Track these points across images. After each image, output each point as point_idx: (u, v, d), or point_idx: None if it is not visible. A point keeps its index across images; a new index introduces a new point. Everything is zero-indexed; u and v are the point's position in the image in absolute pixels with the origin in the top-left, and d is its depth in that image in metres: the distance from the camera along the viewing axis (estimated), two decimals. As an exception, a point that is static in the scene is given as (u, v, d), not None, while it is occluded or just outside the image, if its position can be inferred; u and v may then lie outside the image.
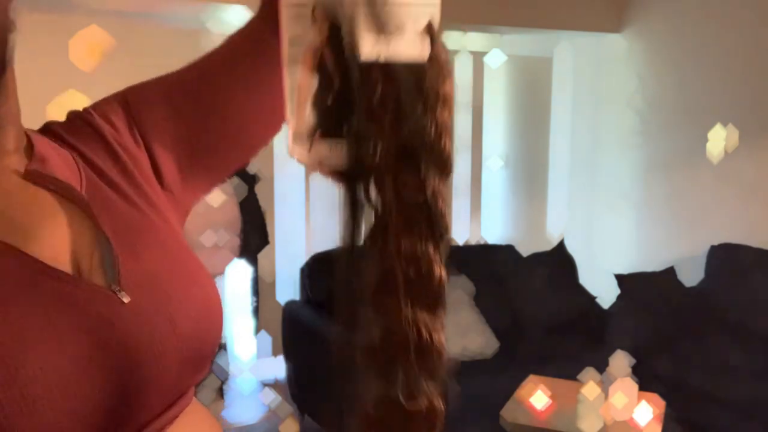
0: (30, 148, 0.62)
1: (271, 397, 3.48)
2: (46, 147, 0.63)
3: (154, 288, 0.59)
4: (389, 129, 0.46)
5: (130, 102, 0.70)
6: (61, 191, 0.60)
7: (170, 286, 0.60)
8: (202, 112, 0.71)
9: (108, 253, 0.58)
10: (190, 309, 0.61)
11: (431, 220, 0.47)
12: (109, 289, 0.56)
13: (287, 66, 0.49)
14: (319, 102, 0.49)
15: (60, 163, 0.63)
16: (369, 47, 0.45)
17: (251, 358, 3.80)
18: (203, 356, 0.63)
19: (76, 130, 0.68)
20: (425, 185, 0.47)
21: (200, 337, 0.61)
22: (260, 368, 3.78)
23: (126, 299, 0.56)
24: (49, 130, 0.67)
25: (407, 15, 0.45)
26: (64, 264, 0.56)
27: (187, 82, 0.72)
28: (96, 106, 0.70)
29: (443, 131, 0.47)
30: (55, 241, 0.57)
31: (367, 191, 0.47)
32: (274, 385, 3.64)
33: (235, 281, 3.59)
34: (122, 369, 0.53)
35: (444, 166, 0.48)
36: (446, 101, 0.48)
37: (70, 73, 2.76)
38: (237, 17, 3.40)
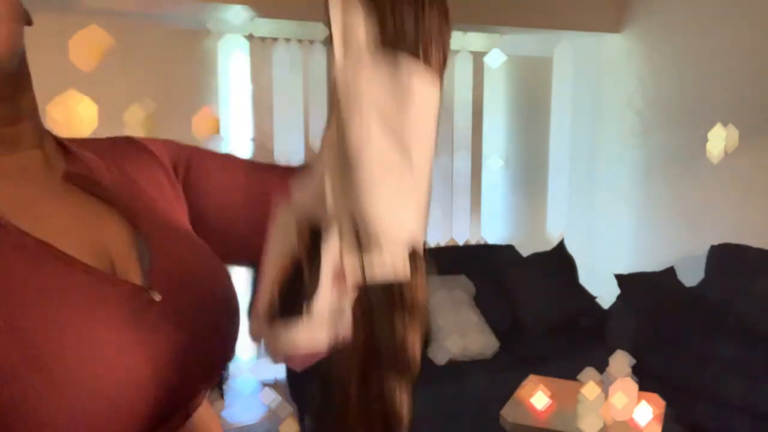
0: (62, 150, 0.63)
1: (271, 397, 3.48)
2: (81, 151, 0.65)
3: (187, 289, 0.60)
4: (358, 334, 0.49)
5: (192, 152, 0.73)
6: (100, 194, 0.61)
7: (202, 287, 0.62)
8: (250, 208, 0.73)
9: (143, 252, 0.60)
10: (219, 311, 0.62)
11: (388, 418, 0.51)
12: (141, 287, 0.56)
13: (267, 259, 0.53)
14: (285, 288, 0.52)
15: (93, 166, 0.64)
16: (350, 267, 0.48)
17: (251, 358, 3.80)
18: (225, 358, 0.64)
19: (112, 143, 0.70)
20: (384, 386, 0.50)
21: (227, 337, 0.63)
22: (260, 368, 3.78)
23: (157, 298, 0.56)
24: (76, 140, 0.69)
25: (386, 235, 0.48)
26: (98, 262, 0.56)
27: (255, 179, 0.74)
28: (149, 138, 0.74)
29: (409, 340, 0.50)
30: (91, 239, 0.58)
31: (336, 385, 0.51)
32: (274, 385, 3.64)
33: (235, 281, 3.59)
34: (150, 367, 0.54)
35: (407, 370, 0.51)
36: (418, 312, 0.51)
37: (70, 73, 2.76)
38: (237, 17, 3.40)
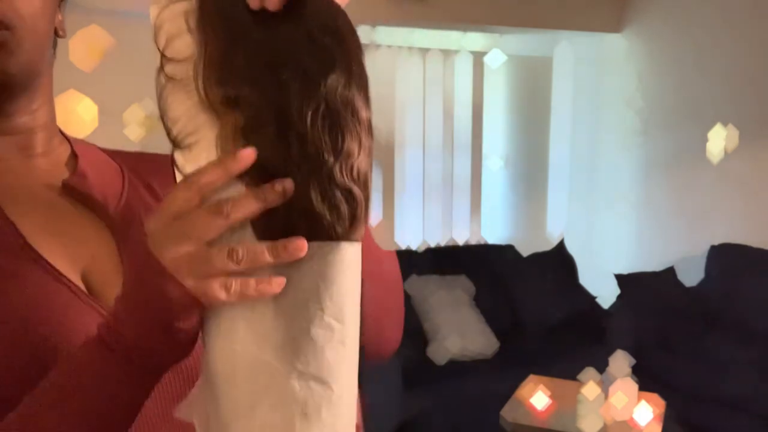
0: (74, 159, 0.64)
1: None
2: (91, 160, 0.65)
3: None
4: None
5: None
6: (93, 209, 0.62)
7: None
8: None
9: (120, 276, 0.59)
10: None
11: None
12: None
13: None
14: None
15: (102, 177, 0.64)
16: None
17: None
18: None
19: (151, 158, 0.72)
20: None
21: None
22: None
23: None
24: (110, 151, 0.70)
25: None
26: (73, 274, 0.57)
27: None
28: None
29: None
30: (71, 251, 0.58)
31: None
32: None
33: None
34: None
35: None
36: None
37: (70, 73, 2.75)
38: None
